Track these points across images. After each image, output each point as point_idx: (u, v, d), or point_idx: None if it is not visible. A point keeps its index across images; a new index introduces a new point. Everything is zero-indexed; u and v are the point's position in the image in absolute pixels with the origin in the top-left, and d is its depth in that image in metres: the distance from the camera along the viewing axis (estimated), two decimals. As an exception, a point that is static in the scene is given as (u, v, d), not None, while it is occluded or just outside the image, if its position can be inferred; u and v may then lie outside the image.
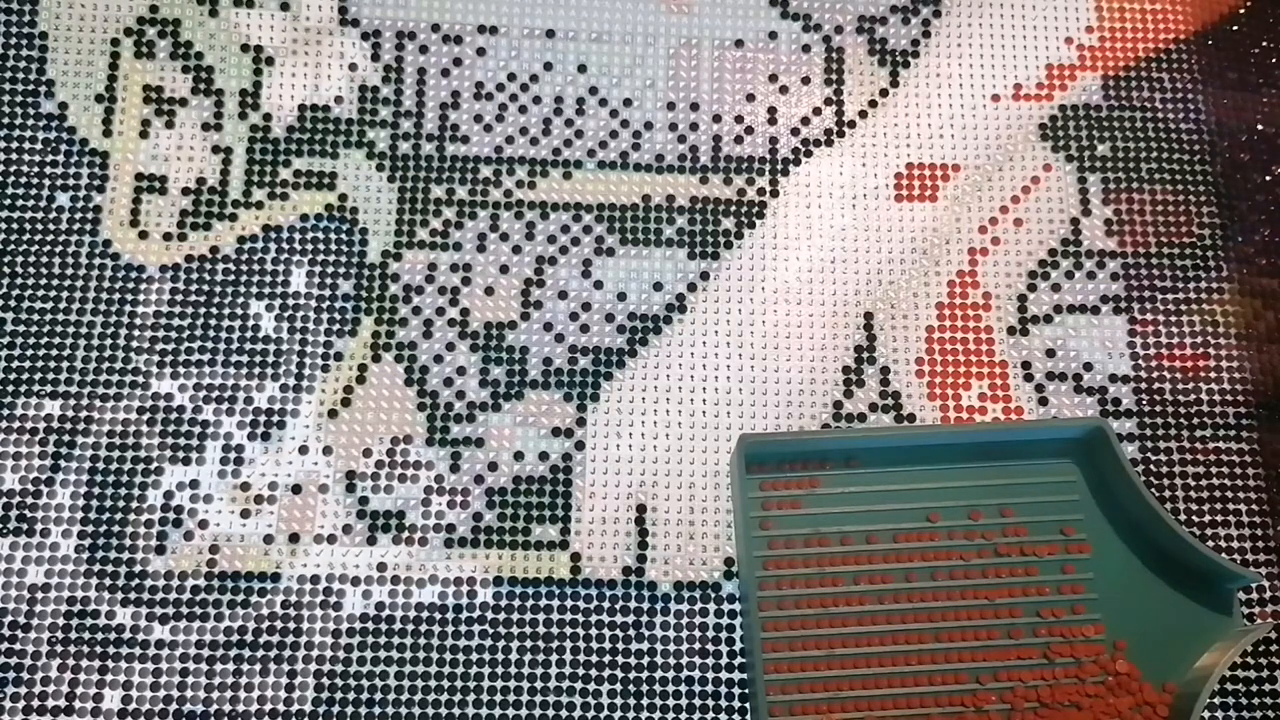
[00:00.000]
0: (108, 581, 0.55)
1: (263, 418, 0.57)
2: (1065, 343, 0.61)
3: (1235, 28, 0.67)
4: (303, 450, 0.57)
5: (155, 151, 0.61)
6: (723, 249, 0.62)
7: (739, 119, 0.64)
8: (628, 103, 0.63)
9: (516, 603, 0.56)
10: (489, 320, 0.60)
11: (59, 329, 0.58)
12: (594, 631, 0.55)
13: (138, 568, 0.55)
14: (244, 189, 0.61)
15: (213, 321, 0.59)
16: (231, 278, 0.59)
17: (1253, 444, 0.60)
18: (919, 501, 0.56)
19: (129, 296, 0.59)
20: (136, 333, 0.58)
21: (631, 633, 0.55)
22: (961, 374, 0.61)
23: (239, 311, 0.59)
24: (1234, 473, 0.60)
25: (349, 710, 0.54)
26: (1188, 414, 0.61)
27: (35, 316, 0.58)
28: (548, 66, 0.64)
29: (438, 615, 0.55)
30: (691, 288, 0.61)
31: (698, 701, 0.55)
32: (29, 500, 0.56)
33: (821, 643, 0.54)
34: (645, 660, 0.55)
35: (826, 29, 0.65)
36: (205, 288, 0.59)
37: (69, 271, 0.59)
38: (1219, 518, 0.59)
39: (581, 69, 0.64)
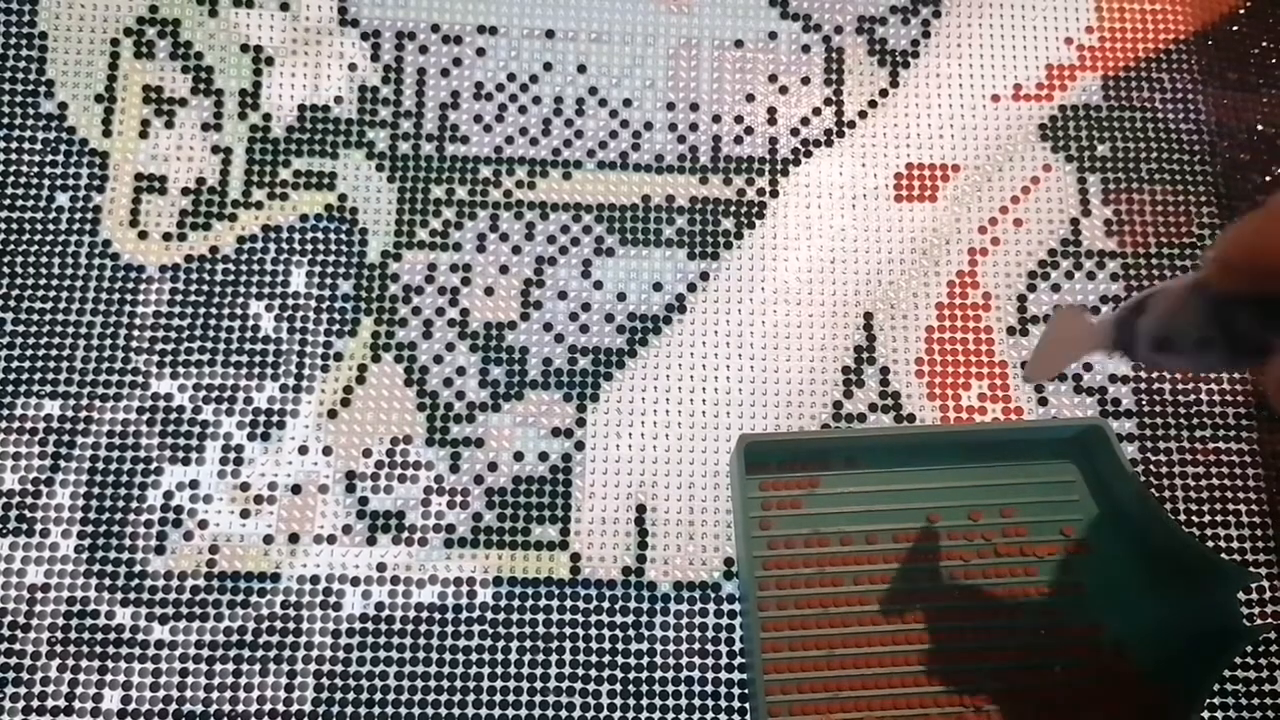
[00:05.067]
0: (108, 581, 0.55)
1: (262, 418, 0.57)
2: (1065, 343, 0.61)
3: (1235, 28, 0.67)
4: (302, 450, 0.57)
5: (155, 151, 0.61)
6: (723, 249, 0.62)
7: (739, 119, 0.64)
8: (627, 103, 0.63)
9: (516, 603, 0.56)
10: (489, 320, 0.60)
11: (59, 329, 0.58)
12: (594, 631, 0.55)
13: (137, 568, 0.55)
14: (244, 189, 0.61)
15: (213, 321, 0.59)
16: (231, 278, 0.59)
17: (1253, 444, 0.60)
18: (919, 501, 0.56)
19: (129, 296, 0.59)
20: (136, 333, 0.58)
21: (631, 633, 0.55)
22: (961, 374, 0.61)
23: (239, 311, 0.59)
24: (1234, 473, 0.60)
25: (349, 710, 0.54)
26: (1188, 414, 0.61)
27: (35, 316, 0.58)
28: (547, 67, 0.64)
29: (438, 615, 0.55)
30: (691, 288, 0.61)
31: (698, 701, 0.55)
32: (29, 500, 0.56)
33: (821, 643, 0.54)
34: (645, 660, 0.55)
35: (826, 29, 0.65)
36: (205, 288, 0.59)
37: (69, 271, 0.59)
38: (1219, 518, 0.59)
39: (581, 69, 0.64)
